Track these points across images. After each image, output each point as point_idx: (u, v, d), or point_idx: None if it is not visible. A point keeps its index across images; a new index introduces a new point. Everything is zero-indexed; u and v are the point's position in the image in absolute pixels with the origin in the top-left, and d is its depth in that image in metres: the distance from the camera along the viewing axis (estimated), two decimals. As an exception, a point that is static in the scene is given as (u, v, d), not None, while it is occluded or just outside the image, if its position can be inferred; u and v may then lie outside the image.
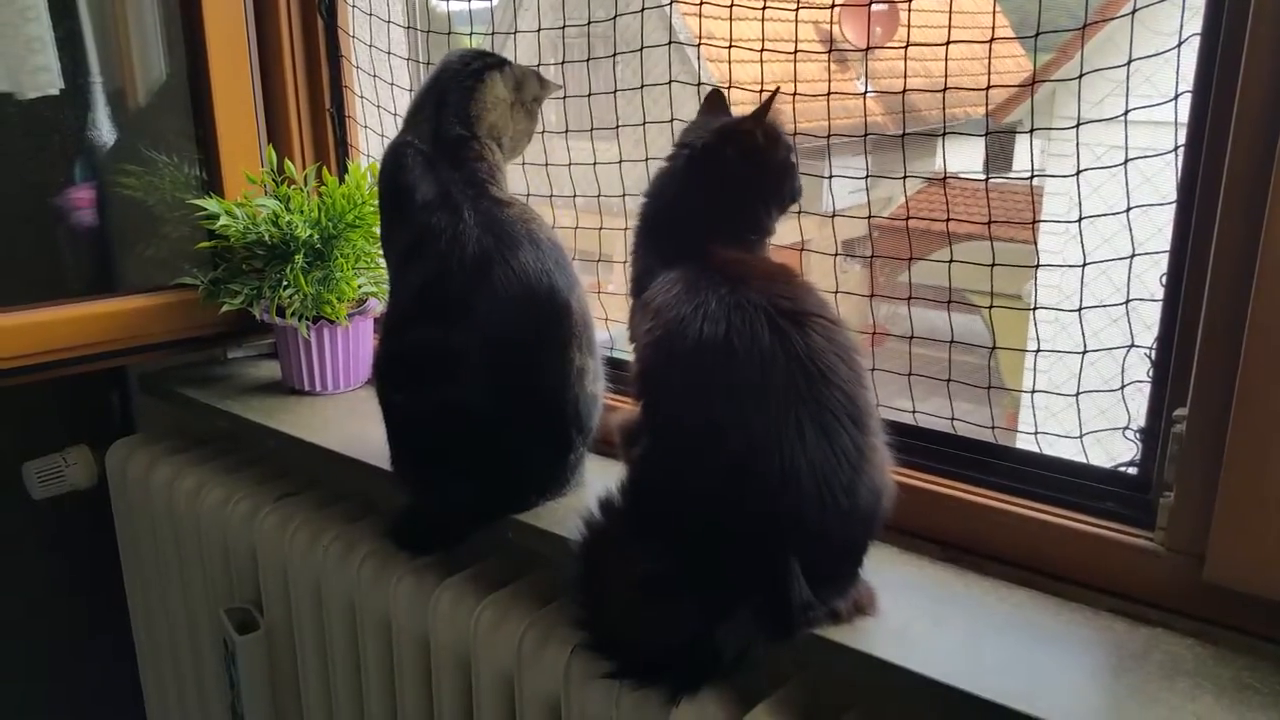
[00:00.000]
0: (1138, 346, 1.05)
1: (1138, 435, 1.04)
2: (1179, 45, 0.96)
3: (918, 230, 1.22)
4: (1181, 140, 0.96)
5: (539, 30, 1.56)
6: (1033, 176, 1.28)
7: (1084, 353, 1.11)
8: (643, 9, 1.35)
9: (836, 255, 1.34)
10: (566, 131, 1.52)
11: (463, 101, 1.21)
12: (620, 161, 1.44)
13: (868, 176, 1.32)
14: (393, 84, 1.72)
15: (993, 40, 1.12)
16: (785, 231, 1.11)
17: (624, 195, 1.37)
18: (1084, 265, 1.10)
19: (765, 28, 1.28)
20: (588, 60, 1.49)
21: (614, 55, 1.43)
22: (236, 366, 1.77)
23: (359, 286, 1.57)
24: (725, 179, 1.05)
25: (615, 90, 1.44)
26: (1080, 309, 1.13)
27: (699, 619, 0.92)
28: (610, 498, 1.06)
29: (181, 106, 1.68)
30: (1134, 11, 1.01)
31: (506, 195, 1.20)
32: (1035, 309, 1.23)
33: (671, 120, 1.28)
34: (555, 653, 1.11)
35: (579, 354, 1.16)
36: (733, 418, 0.90)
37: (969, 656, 0.92)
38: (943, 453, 1.15)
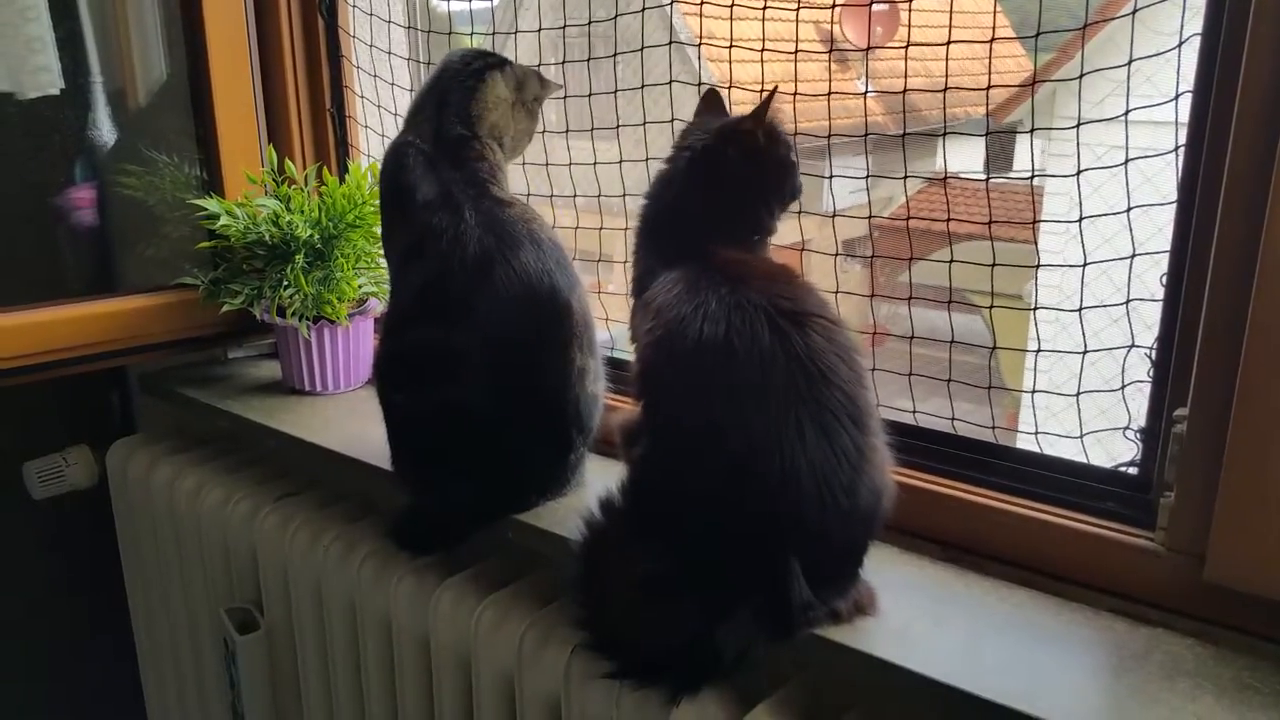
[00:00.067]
0: (1138, 346, 1.05)
1: (1138, 435, 1.04)
2: (1180, 45, 0.96)
3: (918, 230, 1.22)
4: (1182, 140, 0.96)
5: (539, 30, 1.56)
6: (1033, 176, 1.28)
7: (1084, 352, 1.11)
8: (643, 9, 1.36)
9: (837, 255, 1.34)
10: (567, 131, 1.52)
11: (464, 101, 1.21)
12: (621, 161, 1.44)
13: (868, 176, 1.32)
14: (393, 84, 1.72)
15: (993, 40, 1.12)
16: (786, 231, 1.11)
17: (624, 195, 1.37)
18: (1084, 265, 1.10)
19: (766, 27, 1.28)
20: (588, 60, 1.49)
21: (614, 55, 1.43)
22: (237, 366, 1.77)
23: (359, 286, 1.57)
24: (726, 179, 1.05)
25: (616, 90, 1.44)
26: (1081, 309, 1.13)
27: (699, 619, 0.92)
28: (611, 498, 1.06)
29: (182, 106, 1.68)
30: (1134, 11, 1.01)
31: (507, 195, 1.20)
32: (1036, 309, 1.23)
33: (672, 120, 1.28)
34: (556, 653, 1.11)
35: (580, 354, 1.16)
36: (733, 418, 0.90)
37: (969, 656, 0.92)
38: (943, 453, 1.15)
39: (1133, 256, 1.06)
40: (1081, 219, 1.09)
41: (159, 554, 1.70)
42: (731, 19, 1.30)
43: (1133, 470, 1.05)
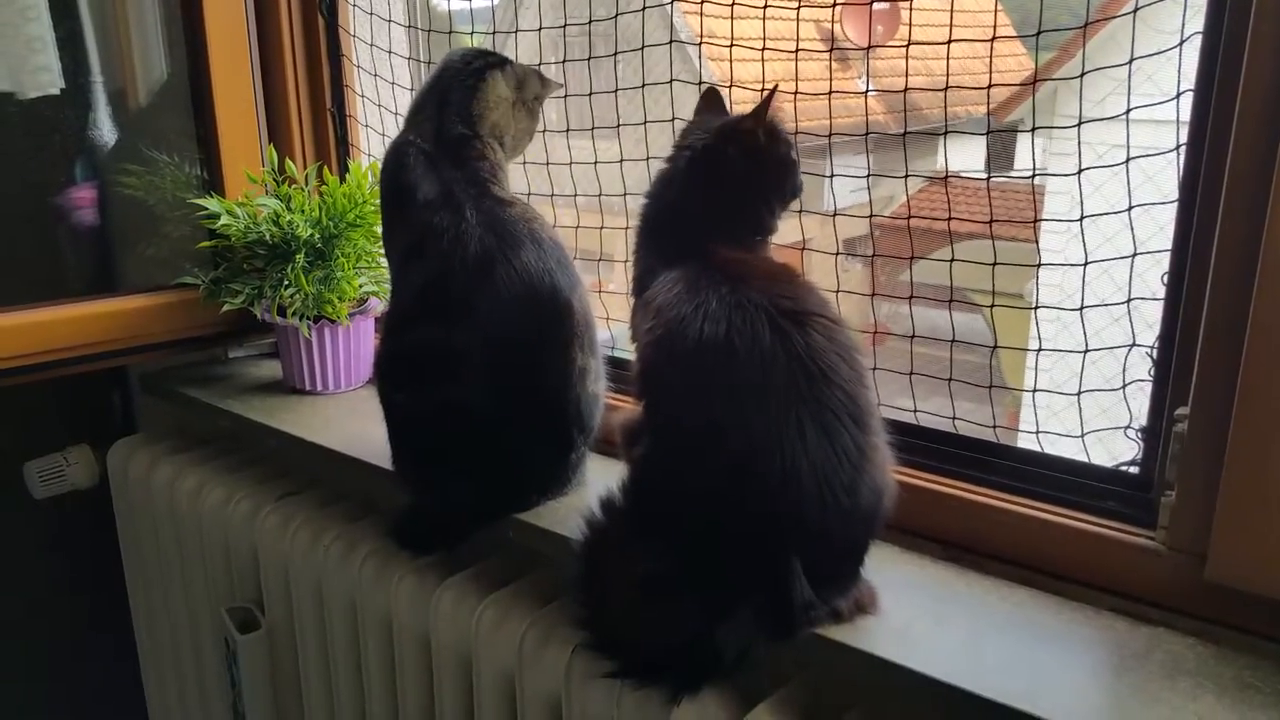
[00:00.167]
0: (1139, 345, 1.05)
1: (1139, 434, 1.04)
2: (1181, 44, 0.96)
3: (919, 229, 1.22)
4: (1183, 139, 0.96)
5: (540, 29, 1.56)
6: (1034, 175, 1.28)
7: (1085, 352, 1.11)
8: (644, 8, 1.35)
9: (838, 254, 1.34)
10: (568, 130, 1.52)
11: (465, 100, 1.21)
12: (621, 160, 1.44)
13: (869, 175, 1.32)
14: (394, 83, 1.72)
15: (994, 39, 1.12)
16: (786, 230, 1.11)
17: (625, 194, 1.37)
18: (1085, 264, 1.10)
19: (766, 26, 1.28)
20: (589, 59, 1.49)
21: (615, 54, 1.43)
22: (237, 366, 1.77)
23: (360, 286, 1.57)
24: (727, 178, 1.05)
25: (616, 89, 1.44)
26: (1082, 308, 1.13)
27: (700, 618, 0.92)
28: (611, 497, 1.06)
29: (182, 106, 1.68)
30: (1136, 10, 1.01)
31: (508, 194, 1.20)
32: (1037, 308, 1.23)
33: (673, 119, 1.28)
34: (556, 652, 1.11)
35: (580, 353, 1.16)
36: (734, 417, 0.90)
37: (970, 656, 0.92)
38: (944, 452, 1.15)
39: (1134, 255, 1.06)
40: (1083, 218, 1.09)
41: (160, 553, 1.70)
42: (732, 18, 1.30)
43: (1134, 469, 1.05)
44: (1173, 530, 0.95)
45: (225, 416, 1.57)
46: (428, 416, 1.18)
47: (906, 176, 1.21)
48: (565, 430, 1.18)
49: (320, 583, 1.39)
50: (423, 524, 1.27)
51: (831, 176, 1.36)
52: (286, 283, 1.51)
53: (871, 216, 1.29)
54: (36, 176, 1.70)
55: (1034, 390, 1.16)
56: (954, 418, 1.17)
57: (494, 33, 1.74)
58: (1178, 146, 0.97)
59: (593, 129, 1.48)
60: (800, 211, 1.14)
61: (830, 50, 1.58)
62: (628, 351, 1.10)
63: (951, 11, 1.12)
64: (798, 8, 1.25)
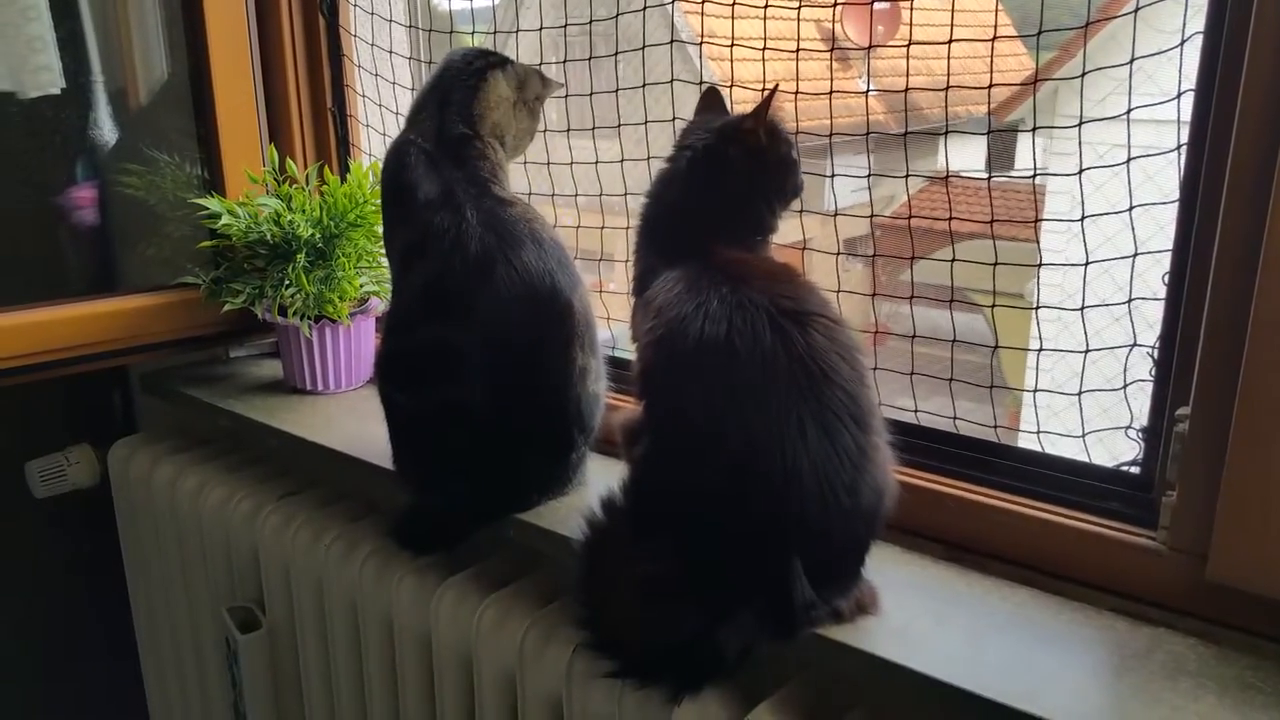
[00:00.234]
0: (1140, 345, 1.04)
1: (1140, 434, 1.04)
2: (1182, 44, 0.96)
3: (920, 229, 1.22)
4: (1184, 139, 0.96)
5: (541, 29, 1.56)
6: (1035, 175, 1.28)
7: (1086, 352, 1.11)
8: (645, 7, 1.35)
9: (838, 254, 1.34)
10: (568, 130, 1.52)
11: (466, 100, 1.21)
12: (622, 160, 1.44)
13: (870, 175, 1.32)
14: (394, 83, 1.72)
15: (995, 39, 1.12)
16: (787, 230, 1.11)
17: (626, 194, 1.37)
18: (1086, 264, 1.10)
19: (767, 26, 1.28)
20: (589, 59, 1.49)
21: (616, 54, 1.43)
22: (238, 366, 1.77)
23: (361, 285, 1.57)
24: (728, 178, 1.05)
25: (617, 89, 1.44)
26: (1083, 308, 1.12)
27: (701, 618, 0.92)
28: (612, 497, 1.06)
29: (183, 106, 1.69)
30: (1136, 10, 1.01)
31: (509, 194, 1.20)
32: (1037, 308, 1.23)
33: (673, 119, 1.28)
34: (557, 652, 1.11)
35: (581, 353, 1.16)
36: (734, 417, 0.90)
37: (971, 656, 0.92)
38: (945, 452, 1.15)
39: (1135, 255, 1.06)
40: (1084, 218, 1.09)
41: (161, 553, 1.70)
42: (733, 17, 1.30)
43: (1135, 469, 1.05)
44: (1174, 530, 0.95)
45: (226, 416, 1.57)
46: (429, 416, 1.18)
47: (907, 176, 1.20)
48: (566, 430, 1.18)
49: (321, 582, 1.39)
50: (424, 524, 1.27)
51: (832, 176, 1.36)
52: (287, 282, 1.51)
53: (872, 216, 1.29)
54: (37, 176, 1.71)
55: (1035, 390, 1.16)
56: (955, 418, 1.17)
57: (495, 32, 1.74)
58: (1179, 146, 0.97)
59: (593, 129, 1.48)
60: (801, 211, 1.14)
61: (831, 50, 1.58)
62: (628, 351, 1.10)
63: (952, 11, 1.12)
64: (798, 7, 1.25)
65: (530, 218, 1.17)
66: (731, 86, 1.21)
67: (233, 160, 1.66)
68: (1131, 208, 1.05)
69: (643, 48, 1.40)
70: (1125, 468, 1.05)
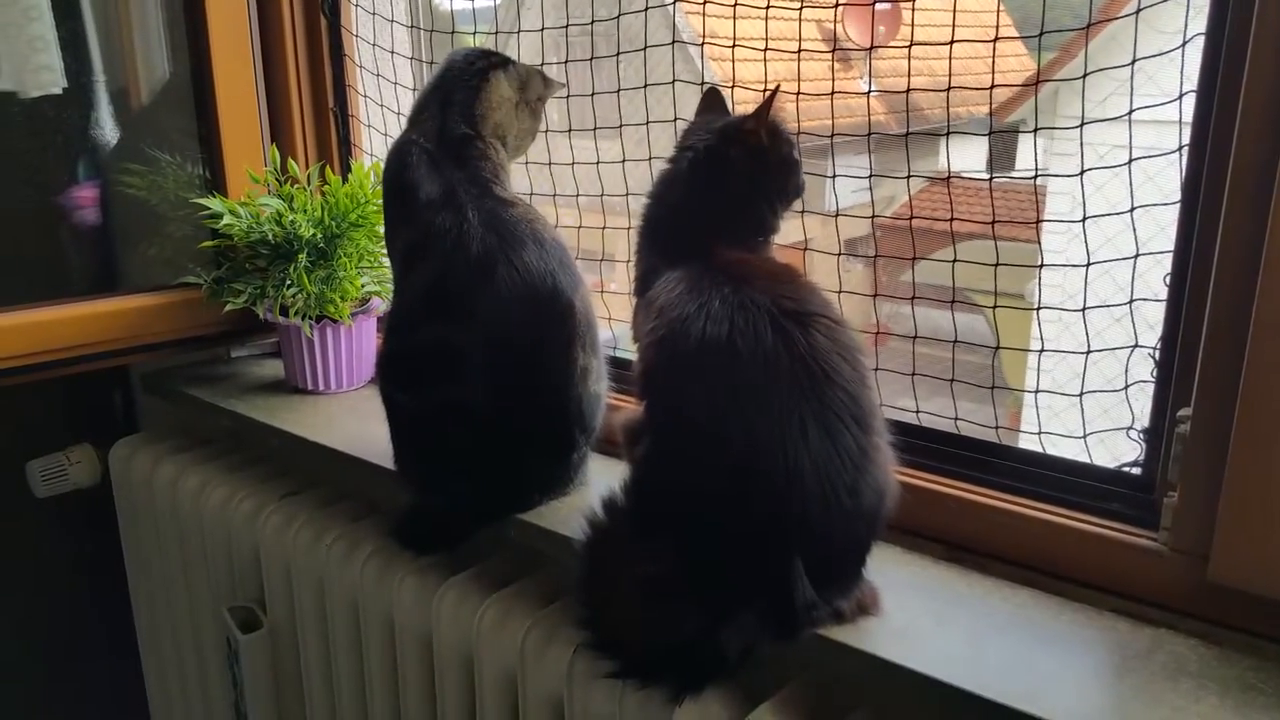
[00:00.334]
0: (1141, 346, 1.05)
1: (1141, 435, 1.04)
2: (1183, 45, 0.96)
3: (921, 230, 1.22)
4: (1186, 140, 0.96)
5: (542, 29, 1.56)
6: (1036, 176, 1.28)
7: (1088, 353, 1.11)
8: (646, 8, 1.35)
9: (840, 254, 1.34)
10: (570, 130, 1.52)
11: (468, 100, 1.21)
12: (623, 160, 1.44)
13: (871, 175, 1.32)
14: (396, 83, 1.72)
15: (996, 39, 1.12)
16: (788, 231, 1.11)
17: (627, 194, 1.37)
18: (1088, 265, 1.10)
19: (769, 26, 1.28)
20: (591, 59, 1.49)
21: (617, 54, 1.43)
22: (240, 366, 1.77)
23: (362, 286, 1.57)
24: (729, 179, 1.05)
25: (619, 89, 1.44)
26: (1084, 309, 1.12)
27: (702, 618, 0.92)
28: (613, 497, 1.06)
29: (185, 105, 1.69)
30: (1138, 11, 1.01)
31: (510, 195, 1.20)
32: (1039, 309, 1.23)
33: (675, 119, 1.28)
34: (558, 652, 1.11)
35: (582, 353, 1.16)
36: (736, 417, 0.90)
37: (972, 656, 0.92)
38: (946, 452, 1.15)
39: (1136, 256, 1.06)
40: (1085, 218, 1.09)
41: (162, 553, 1.70)
42: (734, 18, 1.30)
43: (1136, 470, 1.05)
44: (1175, 531, 0.95)
45: (227, 416, 1.57)
46: (430, 416, 1.18)
47: (909, 177, 1.20)
48: (567, 430, 1.18)
49: (322, 582, 1.39)
50: (425, 524, 1.27)
51: (833, 177, 1.36)
52: (289, 282, 1.51)
53: (874, 217, 1.29)
54: (39, 176, 1.71)
55: (1036, 391, 1.16)
56: (956, 418, 1.17)
57: (496, 33, 1.74)
58: (1180, 147, 0.97)
59: (595, 129, 1.48)
60: (802, 212, 1.14)
61: (832, 50, 1.58)
62: (630, 351, 1.10)
63: (953, 12, 1.12)
64: (800, 8, 1.25)
65: (532, 218, 1.17)
66: (733, 87, 1.21)
67: (234, 160, 1.66)
68: (1133, 208, 1.05)
69: (644, 48, 1.40)
70: (1126, 468, 1.05)
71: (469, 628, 1.19)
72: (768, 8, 1.26)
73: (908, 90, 1.17)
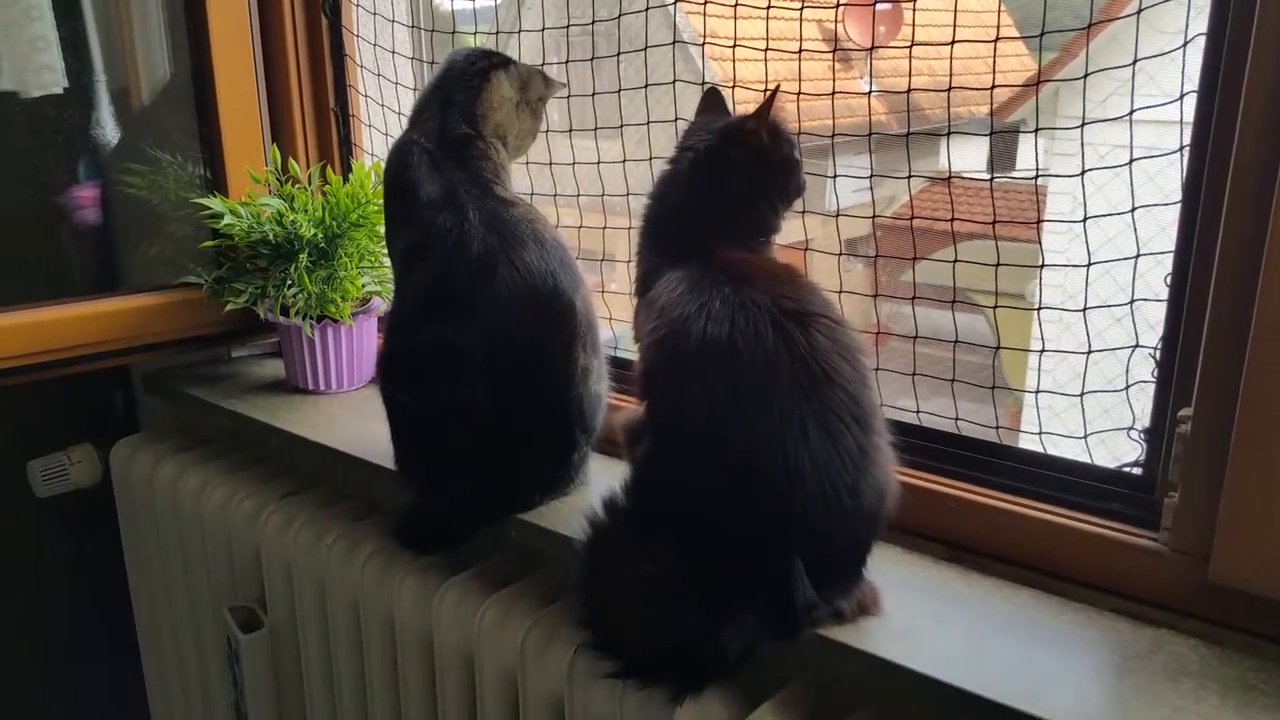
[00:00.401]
0: (1142, 346, 1.04)
1: (1142, 435, 1.04)
2: (1184, 45, 0.96)
3: (921, 230, 1.22)
4: (1187, 140, 0.96)
5: (543, 29, 1.56)
6: (1037, 176, 1.28)
7: (1088, 353, 1.11)
8: (647, 8, 1.35)
9: (840, 254, 1.34)
10: (570, 130, 1.52)
11: (469, 100, 1.21)
12: (624, 161, 1.44)
13: (871, 175, 1.32)
14: (397, 83, 1.72)
15: (997, 39, 1.12)
16: (789, 231, 1.11)
17: (628, 194, 1.37)
18: (1088, 265, 1.10)
19: (769, 26, 1.28)
20: (591, 59, 1.49)
21: (618, 54, 1.43)
22: (240, 366, 1.77)
23: (363, 285, 1.57)
24: (731, 179, 1.05)
25: (619, 89, 1.44)
26: (1085, 309, 1.12)
27: (703, 618, 0.92)
28: (614, 497, 1.06)
29: (186, 105, 1.69)
30: (1139, 11, 1.01)
31: (511, 195, 1.20)
32: (1039, 309, 1.23)
33: (675, 119, 1.28)
34: (559, 652, 1.11)
35: (583, 353, 1.16)
36: (736, 417, 0.90)
37: (972, 656, 0.92)
38: (946, 452, 1.15)
39: (1137, 256, 1.06)
40: (1086, 219, 1.09)
41: (162, 552, 1.70)
42: (735, 18, 1.30)
43: (1137, 470, 1.05)
44: (1176, 531, 0.95)
45: (228, 416, 1.57)
46: (430, 416, 1.18)
47: (909, 177, 1.20)
48: (568, 430, 1.18)
49: (323, 582, 1.39)
50: (425, 524, 1.27)
51: (834, 177, 1.36)
52: (289, 282, 1.51)
53: (874, 217, 1.29)
54: (40, 176, 1.71)
55: (1036, 391, 1.16)
56: (956, 418, 1.17)
57: (497, 33, 1.74)
58: (1181, 147, 0.97)
59: (595, 129, 1.48)
60: (803, 212, 1.14)
61: (833, 50, 1.58)
62: (630, 351, 1.10)
63: (954, 12, 1.12)
64: (800, 8, 1.25)
65: (532, 218, 1.17)
66: (734, 87, 1.21)
67: (235, 160, 1.66)
68: (1134, 209, 1.04)
69: (645, 48, 1.40)
70: (1127, 469, 1.05)
71: (469, 628, 1.19)
72: (768, 8, 1.26)
73: (908, 90, 1.17)
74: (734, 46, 1.32)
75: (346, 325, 1.56)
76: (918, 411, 1.19)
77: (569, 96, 1.40)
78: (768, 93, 1.05)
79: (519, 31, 1.71)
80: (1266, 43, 0.83)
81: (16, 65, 1.62)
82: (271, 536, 1.46)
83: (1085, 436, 1.11)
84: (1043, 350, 1.18)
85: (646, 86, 1.41)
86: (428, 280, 1.15)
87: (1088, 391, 1.13)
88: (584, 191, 1.53)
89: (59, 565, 1.98)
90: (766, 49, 1.27)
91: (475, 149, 1.20)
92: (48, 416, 1.90)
